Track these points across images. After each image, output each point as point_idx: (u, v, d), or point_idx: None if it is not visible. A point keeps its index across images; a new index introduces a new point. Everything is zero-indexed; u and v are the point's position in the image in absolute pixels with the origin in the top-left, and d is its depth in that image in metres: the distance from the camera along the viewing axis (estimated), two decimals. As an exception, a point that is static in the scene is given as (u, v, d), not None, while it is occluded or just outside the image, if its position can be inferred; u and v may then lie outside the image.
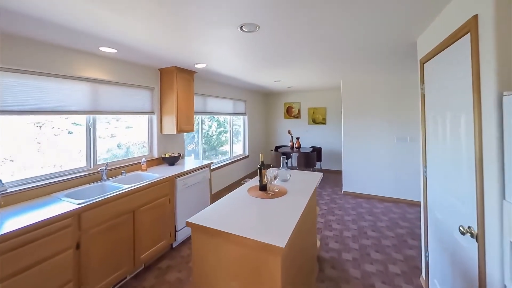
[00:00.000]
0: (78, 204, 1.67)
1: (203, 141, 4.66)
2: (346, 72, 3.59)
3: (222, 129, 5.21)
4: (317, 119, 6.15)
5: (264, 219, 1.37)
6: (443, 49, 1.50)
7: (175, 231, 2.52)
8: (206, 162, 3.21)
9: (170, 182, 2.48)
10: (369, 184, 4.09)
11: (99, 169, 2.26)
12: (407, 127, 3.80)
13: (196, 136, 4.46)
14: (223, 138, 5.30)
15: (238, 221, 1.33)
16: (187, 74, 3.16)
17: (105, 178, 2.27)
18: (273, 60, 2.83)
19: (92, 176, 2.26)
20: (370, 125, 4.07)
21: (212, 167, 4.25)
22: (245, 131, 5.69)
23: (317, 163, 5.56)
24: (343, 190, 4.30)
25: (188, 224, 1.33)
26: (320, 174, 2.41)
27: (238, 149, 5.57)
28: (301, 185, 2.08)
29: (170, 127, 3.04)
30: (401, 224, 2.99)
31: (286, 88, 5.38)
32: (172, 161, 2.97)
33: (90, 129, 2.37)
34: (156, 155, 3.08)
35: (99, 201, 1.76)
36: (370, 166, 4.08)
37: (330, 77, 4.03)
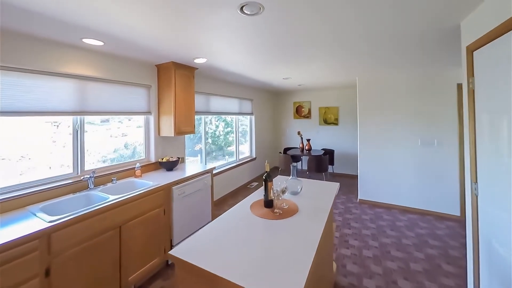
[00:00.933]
0: (49, 221, 1.41)
1: (210, 142, 4.41)
2: (363, 67, 3.20)
3: (229, 129, 4.96)
4: (329, 119, 5.75)
5: (269, 252, 1.05)
6: (508, 31, 1.12)
7: (171, 246, 2.25)
8: (208, 166, 2.93)
9: (165, 191, 2.20)
10: (388, 192, 3.67)
11: (82, 177, 2.00)
12: (434, 128, 3.36)
13: (203, 137, 4.21)
14: (230, 138, 5.04)
15: (236, 256, 1.01)
16: (186, 70, 2.88)
17: (92, 186, 2.02)
18: (280, 54, 2.50)
19: (78, 185, 2.02)
20: (390, 126, 3.65)
21: (217, 171, 3.98)
22: (252, 132, 5.38)
23: (329, 166, 5.16)
24: (358, 198, 3.90)
25: (170, 257, 1.03)
26: (337, 186, 2.06)
27: (245, 151, 5.26)
28: (315, 200, 1.74)
29: (167, 128, 2.77)
30: (431, 242, 2.58)
31: (296, 86, 5.02)
32: (170, 166, 2.70)
33: (77, 131, 2.13)
34: (153, 159, 2.82)
35: (75, 217, 1.50)
36: (390, 172, 3.66)
37: (345, 74, 3.64)
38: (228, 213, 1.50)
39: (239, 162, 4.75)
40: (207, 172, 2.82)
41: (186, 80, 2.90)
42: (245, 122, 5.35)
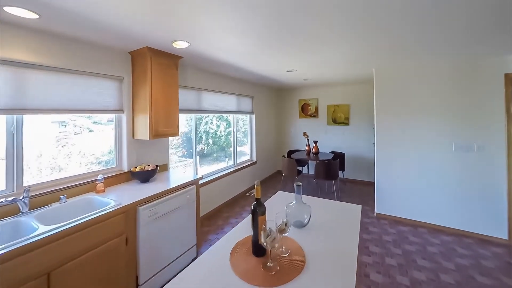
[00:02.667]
0: None
1: (211, 142, 3.98)
2: (383, 55, 2.59)
3: (231, 129, 4.46)
4: (339, 118, 5.14)
5: None
6: None
7: (137, 285, 1.72)
8: (200, 174, 2.40)
9: (128, 214, 1.67)
10: (414, 206, 3.05)
11: (12, 198, 1.48)
12: (473, 130, 2.73)
13: (204, 137, 3.81)
14: (232, 139, 4.52)
15: None
16: (167, 59, 2.35)
17: (26, 209, 1.51)
18: (284, 37, 1.94)
19: (11, 207, 1.51)
20: (415, 126, 3.03)
21: (212, 177, 3.45)
22: (252, 132, 4.82)
23: (339, 172, 4.56)
24: (376, 211, 3.30)
25: None
26: (358, 210, 1.50)
27: (245, 154, 4.72)
28: (330, 237, 1.19)
29: (143, 130, 2.25)
30: (478, 279, 1.97)
31: (301, 81, 4.44)
32: (145, 176, 2.18)
33: (13, 134, 1.62)
34: (126, 168, 2.31)
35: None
36: (415, 183, 3.05)
37: (359, 65, 3.04)
38: (197, 266, 0.96)
39: (238, 167, 4.21)
40: (191, 184, 2.28)
41: (167, 72, 2.37)
42: (245, 122, 4.80)
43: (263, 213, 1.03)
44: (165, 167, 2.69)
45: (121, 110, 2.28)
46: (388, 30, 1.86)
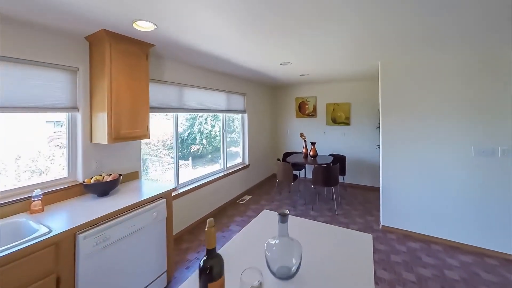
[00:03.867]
0: None
1: (205, 143, 3.71)
2: (390, 46, 2.21)
3: (226, 128, 4.10)
4: (339, 118, 4.74)
5: None
6: None
7: (75, 338, 1.31)
8: (184, 179, 2.00)
9: (60, 245, 1.26)
10: (426, 219, 2.66)
11: None
12: (495, 131, 2.33)
13: (198, 137, 3.57)
14: (221, 140, 4.16)
15: None
16: (132, 45, 1.94)
17: None
18: (275, 21, 1.54)
19: None
20: (427, 128, 2.63)
21: (196, 184, 3.06)
22: (244, 133, 4.42)
23: (340, 177, 4.16)
24: (381, 223, 2.90)
25: None
26: (369, 242, 1.10)
27: (236, 157, 4.31)
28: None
29: (101, 132, 1.84)
30: (516, 320, 1.58)
31: (298, 77, 4.03)
32: (101, 190, 1.77)
33: None
34: (80, 179, 1.90)
35: None
36: (427, 191, 2.65)
37: (362, 57, 2.64)
38: None
39: (228, 171, 3.80)
40: (160, 198, 1.87)
41: (134, 62, 1.96)
42: (236, 122, 4.39)
43: (220, 274, 0.62)
44: (135, 176, 2.28)
45: (75, 108, 1.87)
46: (396, 14, 1.46)
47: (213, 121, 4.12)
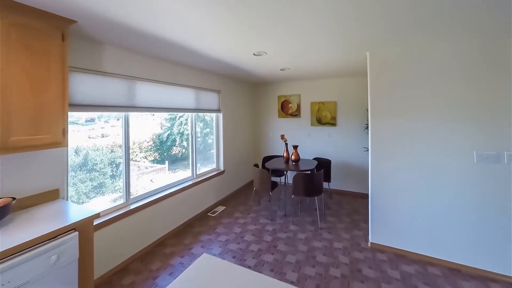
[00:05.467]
0: None
1: (185, 145, 3.37)
2: (380, 33, 1.81)
3: (208, 129, 3.84)
4: (324, 118, 4.34)
5: None
6: None
7: None
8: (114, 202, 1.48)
9: None
10: (422, 235, 2.28)
11: None
12: (503, 134, 1.97)
13: (178, 139, 3.32)
14: (209, 141, 3.87)
15: None
16: (36, 19, 1.40)
17: None
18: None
19: None
20: (423, 129, 2.25)
21: (154, 197, 2.55)
22: (219, 135, 3.92)
23: (324, 183, 3.75)
24: (370, 240, 2.50)
25: None
26: None
27: (209, 162, 3.80)
28: None
29: (-19, 139, 1.29)
30: None
31: (278, 72, 3.58)
32: (-22, 222, 1.23)
33: None
34: (-46, 205, 1.33)
35: None
36: (423, 203, 2.27)
37: (348, 47, 2.22)
38: None
39: (197, 180, 3.29)
40: (68, 231, 1.34)
41: (39, 41, 1.42)
42: (216, 122, 3.88)
43: None
44: (53, 195, 1.73)
45: None
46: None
47: (193, 121, 3.66)
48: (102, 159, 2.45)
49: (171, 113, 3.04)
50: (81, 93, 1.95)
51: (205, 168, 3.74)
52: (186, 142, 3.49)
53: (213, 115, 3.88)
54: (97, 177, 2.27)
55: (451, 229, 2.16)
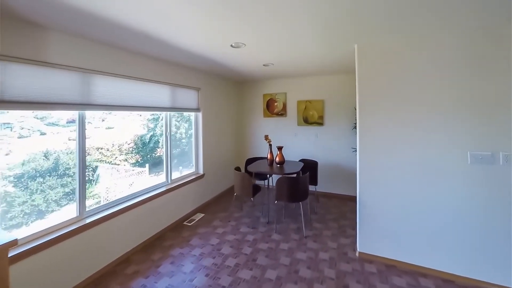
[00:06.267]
0: None
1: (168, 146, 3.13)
2: (369, 22, 1.60)
3: (192, 131, 3.60)
4: (311, 117, 4.15)
5: None
6: None
7: None
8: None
9: None
10: (413, 244, 2.09)
11: None
12: (498, 133, 1.81)
13: (161, 140, 3.08)
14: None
15: None
16: None
17: None
18: None
19: None
20: (414, 128, 2.07)
21: (125, 204, 2.26)
22: (198, 136, 3.63)
23: (311, 186, 3.53)
24: (358, 249, 2.29)
25: None
26: None
27: (187, 166, 3.51)
28: None
29: None
30: None
31: (262, 68, 3.34)
32: None
33: None
34: None
35: None
36: (414, 209, 2.08)
37: (335, 38, 2.01)
38: None
39: (172, 185, 2.99)
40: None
41: None
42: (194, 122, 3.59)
43: None
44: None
45: None
46: None
47: (178, 121, 3.45)
48: (76, 163, 2.26)
49: (140, 112, 2.73)
50: (17, 88, 1.62)
51: (187, 171, 3.47)
52: (172, 143, 3.30)
53: (192, 114, 3.59)
54: (70, 182, 2.06)
55: (443, 236, 1.98)
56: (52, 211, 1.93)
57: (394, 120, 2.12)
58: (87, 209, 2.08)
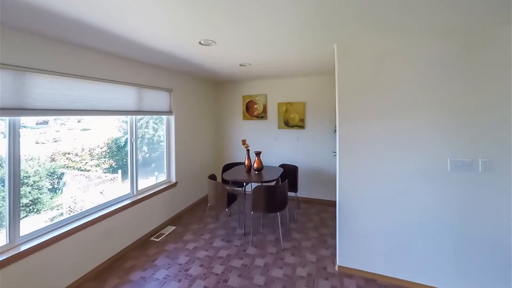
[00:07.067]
0: None
1: (146, 150, 3.09)
2: (349, 19, 1.44)
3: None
4: (292, 120, 4.00)
5: None
6: None
7: None
8: None
9: None
10: (394, 255, 1.97)
11: None
12: (478, 139, 1.73)
13: (139, 143, 2.91)
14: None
15: None
16: None
17: None
18: None
19: None
20: (392, 133, 1.95)
21: (78, 223, 1.95)
22: (170, 141, 3.35)
23: (292, 191, 3.36)
24: (337, 263, 2.14)
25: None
26: None
27: (153, 175, 3.21)
28: None
29: None
30: None
31: (240, 69, 3.13)
32: None
33: None
34: None
35: None
36: (394, 217, 1.97)
37: (313, 37, 1.85)
38: None
39: (138, 197, 2.69)
40: None
41: None
42: (161, 127, 3.30)
43: None
44: None
45: None
46: None
47: (156, 124, 3.24)
48: (37, 170, 2.01)
49: (97, 116, 2.41)
50: None
51: (160, 179, 3.19)
52: (146, 147, 3.12)
53: (164, 118, 3.30)
54: (29, 192, 1.87)
55: (424, 247, 1.87)
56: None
57: (373, 125, 2.00)
58: (36, 229, 1.76)
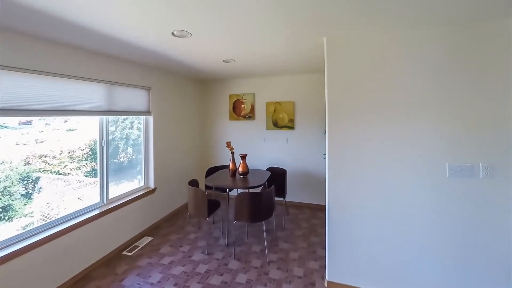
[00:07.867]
0: None
1: (131, 152, 2.92)
2: (339, 10, 1.25)
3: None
4: (281, 120, 3.80)
5: None
6: None
7: None
8: None
9: None
10: (387, 267, 1.79)
11: None
12: (479, 143, 1.57)
13: (123, 145, 2.79)
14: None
15: None
16: None
17: None
18: None
19: None
20: (386, 136, 1.77)
21: (35, 239, 1.65)
22: (148, 143, 3.08)
23: (280, 196, 3.15)
24: (327, 278, 1.94)
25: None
26: None
27: (130, 180, 2.94)
28: None
29: None
30: None
31: (224, 65, 2.90)
32: None
33: None
34: None
35: None
36: (388, 229, 1.79)
37: (300, 30, 1.64)
38: None
39: (109, 206, 2.42)
40: None
41: None
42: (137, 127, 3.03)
43: None
44: None
45: None
46: None
47: (140, 123, 3.01)
48: (9, 174, 1.87)
49: (54, 117, 2.12)
50: None
51: (134, 186, 2.91)
52: (132, 148, 2.92)
53: (141, 118, 3.03)
54: None
55: (421, 257, 1.70)
56: None
57: (367, 128, 1.81)
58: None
